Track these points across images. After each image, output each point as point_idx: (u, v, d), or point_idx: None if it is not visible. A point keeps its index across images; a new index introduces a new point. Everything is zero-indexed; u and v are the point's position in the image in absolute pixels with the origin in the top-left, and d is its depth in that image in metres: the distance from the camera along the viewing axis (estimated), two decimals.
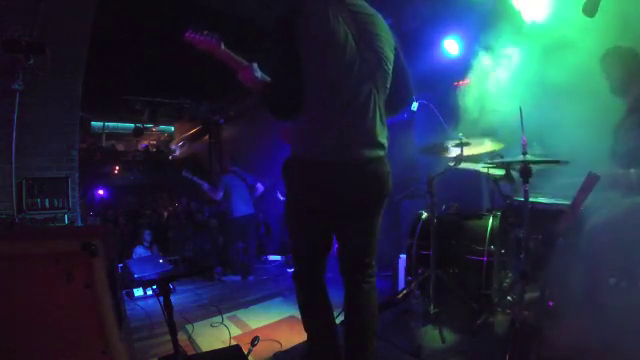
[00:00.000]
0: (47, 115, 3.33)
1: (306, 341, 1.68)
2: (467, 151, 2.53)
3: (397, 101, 1.62)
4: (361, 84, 1.44)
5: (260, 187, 5.06)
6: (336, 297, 1.65)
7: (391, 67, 1.52)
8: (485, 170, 2.59)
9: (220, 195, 4.79)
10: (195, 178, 4.91)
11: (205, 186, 4.88)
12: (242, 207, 4.75)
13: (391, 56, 1.52)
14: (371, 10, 1.52)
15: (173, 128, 13.91)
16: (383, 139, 1.51)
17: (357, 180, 1.45)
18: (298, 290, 1.63)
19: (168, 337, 1.73)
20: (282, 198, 5.06)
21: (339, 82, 1.42)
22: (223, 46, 1.59)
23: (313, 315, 1.63)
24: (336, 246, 1.66)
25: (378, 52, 1.48)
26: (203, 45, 1.59)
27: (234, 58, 1.59)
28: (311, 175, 1.47)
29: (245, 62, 1.58)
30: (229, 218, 4.86)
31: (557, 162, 2.01)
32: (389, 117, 1.59)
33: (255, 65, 1.55)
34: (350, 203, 1.47)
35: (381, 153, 1.51)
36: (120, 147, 13.46)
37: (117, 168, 12.12)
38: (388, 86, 1.53)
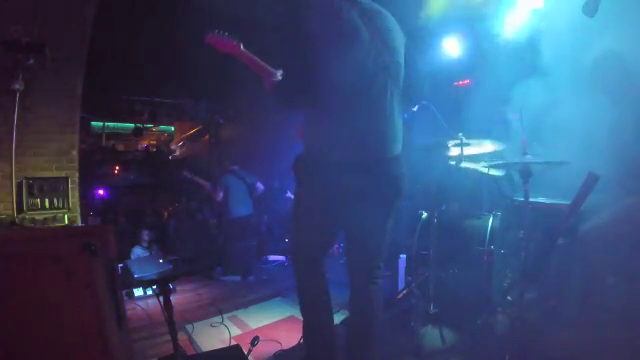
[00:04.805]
0: (47, 115, 3.32)
1: (301, 339, 1.67)
2: (467, 151, 2.53)
3: (406, 98, 1.62)
4: (376, 76, 1.43)
5: (260, 186, 5.05)
6: (336, 297, 1.65)
7: (403, 60, 1.53)
8: (485, 170, 2.59)
9: (220, 196, 4.80)
10: (196, 178, 4.92)
11: (208, 186, 4.90)
12: (240, 208, 4.75)
13: (402, 50, 1.53)
14: (379, 7, 1.53)
15: (173, 128, 13.88)
16: (399, 134, 1.50)
17: (371, 181, 1.43)
18: (300, 277, 1.62)
19: (168, 337, 1.73)
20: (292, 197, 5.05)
21: (354, 75, 1.41)
22: (242, 47, 1.63)
23: (313, 313, 1.62)
24: (342, 245, 1.66)
25: (390, 45, 1.48)
26: (224, 47, 1.63)
27: (256, 61, 1.63)
28: (324, 173, 1.46)
29: (269, 67, 1.61)
30: (227, 218, 4.87)
31: (557, 163, 2.01)
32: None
33: (279, 73, 1.58)
34: (362, 203, 1.45)
35: (396, 152, 1.49)
36: (120, 147, 13.44)
37: (117, 168, 12.11)
38: (402, 78, 1.53)
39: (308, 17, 1.43)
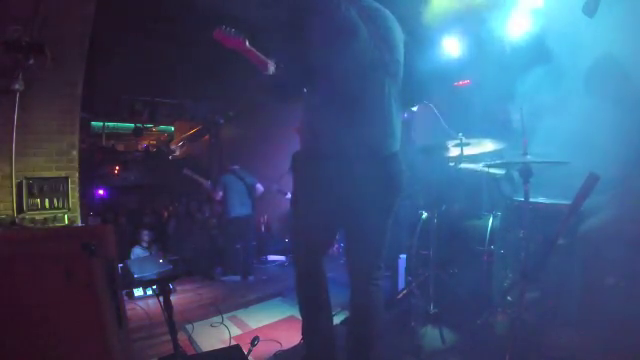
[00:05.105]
0: (47, 115, 3.33)
1: (301, 340, 1.66)
2: (467, 151, 2.52)
3: (406, 97, 1.61)
4: (374, 73, 1.43)
5: (260, 187, 5.07)
6: (336, 297, 1.65)
7: (402, 58, 1.52)
8: (485, 170, 2.58)
9: (219, 194, 4.83)
10: (195, 176, 4.94)
11: (207, 184, 4.91)
12: (238, 208, 4.75)
13: (402, 48, 1.53)
14: (379, 5, 1.54)
15: (173, 128, 13.88)
16: (396, 132, 1.49)
17: (368, 177, 1.42)
18: (299, 278, 1.61)
19: (168, 337, 1.74)
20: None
21: (351, 71, 1.41)
22: (248, 43, 1.67)
23: (312, 312, 1.61)
24: (342, 245, 1.66)
25: (390, 43, 1.48)
26: (230, 43, 1.68)
27: (260, 57, 1.67)
28: (320, 168, 1.45)
29: (267, 60, 1.67)
30: (226, 218, 4.90)
31: (557, 163, 2.01)
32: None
33: (272, 62, 1.64)
34: (360, 201, 1.44)
35: (393, 149, 1.49)
36: (120, 147, 13.44)
37: (117, 168, 12.11)
38: (401, 76, 1.52)
39: (306, 13, 1.44)
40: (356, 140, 1.40)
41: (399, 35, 1.53)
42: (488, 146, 2.54)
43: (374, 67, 1.43)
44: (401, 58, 1.52)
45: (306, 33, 1.42)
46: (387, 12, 1.54)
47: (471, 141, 2.48)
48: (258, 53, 1.67)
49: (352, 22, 1.41)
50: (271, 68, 1.62)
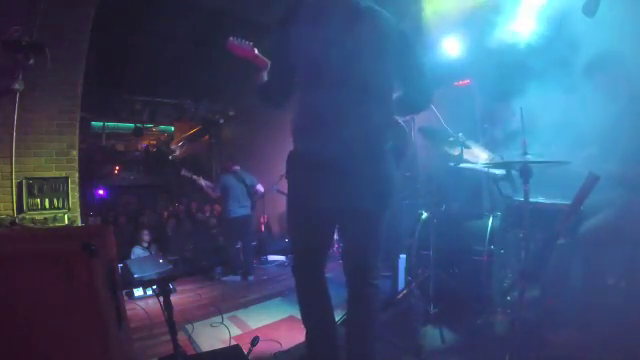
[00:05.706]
0: (47, 115, 3.33)
1: (305, 340, 1.66)
2: (467, 155, 2.52)
3: (409, 101, 1.61)
4: (361, 73, 1.42)
5: (260, 189, 5.08)
6: (335, 298, 1.65)
7: (390, 59, 1.49)
8: (485, 170, 2.59)
9: (217, 192, 4.89)
10: (194, 177, 4.97)
11: (203, 183, 4.93)
12: (237, 208, 4.77)
13: (391, 49, 1.49)
14: (370, 3, 1.52)
15: (173, 128, 13.88)
16: (385, 128, 1.48)
17: (359, 176, 1.41)
18: (298, 287, 1.61)
19: (168, 337, 1.73)
20: None
21: (338, 70, 1.40)
22: (257, 51, 1.72)
23: (312, 313, 1.61)
24: (338, 247, 1.66)
25: (377, 44, 1.45)
26: (242, 52, 1.72)
27: (267, 62, 1.70)
28: (312, 171, 1.44)
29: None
30: (225, 218, 4.93)
31: (557, 163, 2.01)
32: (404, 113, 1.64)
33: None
34: (353, 201, 1.43)
35: (383, 146, 1.48)
36: (120, 147, 13.44)
37: (117, 168, 12.12)
38: (390, 73, 1.50)
39: (297, 4, 1.45)
40: (341, 138, 1.39)
41: (392, 35, 1.50)
42: (484, 157, 2.54)
43: (360, 67, 1.41)
44: (390, 58, 1.49)
45: (291, 31, 1.44)
46: (378, 10, 1.51)
47: (470, 143, 2.48)
48: (267, 59, 1.70)
49: (339, 23, 1.41)
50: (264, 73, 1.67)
